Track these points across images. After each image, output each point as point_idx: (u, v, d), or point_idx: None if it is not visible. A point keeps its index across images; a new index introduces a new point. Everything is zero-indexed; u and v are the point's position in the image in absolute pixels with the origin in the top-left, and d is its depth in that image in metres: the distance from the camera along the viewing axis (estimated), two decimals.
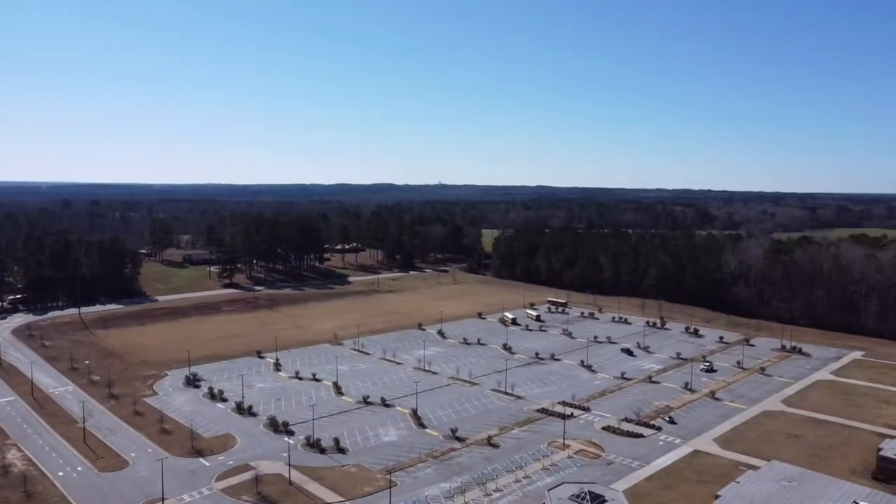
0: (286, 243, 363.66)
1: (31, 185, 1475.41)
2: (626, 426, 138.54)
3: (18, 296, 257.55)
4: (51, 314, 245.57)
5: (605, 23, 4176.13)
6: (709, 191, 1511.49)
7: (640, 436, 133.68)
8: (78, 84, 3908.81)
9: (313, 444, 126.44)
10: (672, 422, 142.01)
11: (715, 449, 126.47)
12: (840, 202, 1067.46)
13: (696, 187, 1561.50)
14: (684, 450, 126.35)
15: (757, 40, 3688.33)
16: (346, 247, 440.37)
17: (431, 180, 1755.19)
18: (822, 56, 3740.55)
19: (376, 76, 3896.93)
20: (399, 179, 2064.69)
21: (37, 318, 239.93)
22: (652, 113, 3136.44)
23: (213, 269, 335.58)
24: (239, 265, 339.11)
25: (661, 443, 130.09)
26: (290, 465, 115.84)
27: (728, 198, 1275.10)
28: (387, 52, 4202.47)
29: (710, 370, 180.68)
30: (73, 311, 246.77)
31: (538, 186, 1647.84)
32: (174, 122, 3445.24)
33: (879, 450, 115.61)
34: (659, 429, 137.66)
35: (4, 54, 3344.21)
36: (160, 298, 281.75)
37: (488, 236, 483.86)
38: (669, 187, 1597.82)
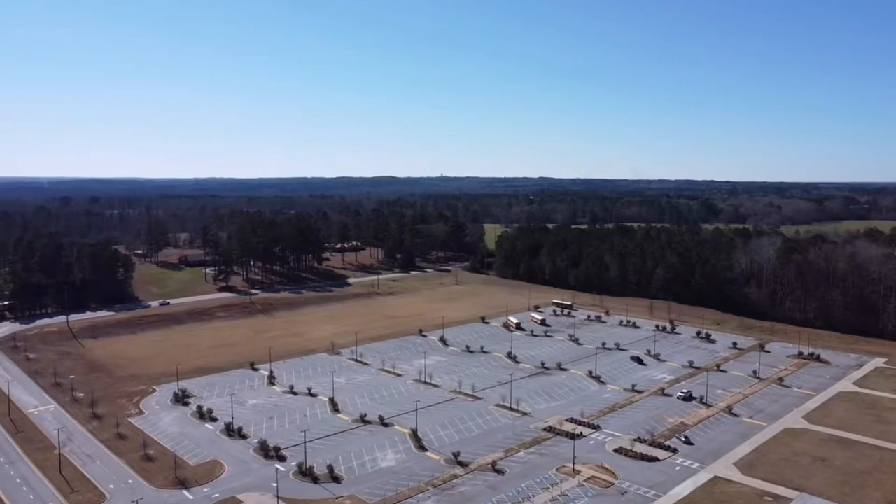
0: (284, 244, 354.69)
1: (32, 181, 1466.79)
2: (639, 448, 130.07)
3: (5, 303, 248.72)
4: (38, 322, 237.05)
5: (604, 11, 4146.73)
6: (712, 181, 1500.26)
7: (655, 459, 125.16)
8: (78, 79, 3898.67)
9: (306, 472, 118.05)
10: (688, 442, 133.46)
11: (736, 475, 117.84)
12: (846, 192, 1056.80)
13: (699, 178, 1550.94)
14: (703, 476, 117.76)
15: (758, 26, 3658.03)
16: (346, 245, 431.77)
17: (433, 172, 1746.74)
18: (824, 41, 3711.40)
19: (378, 69, 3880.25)
20: (401, 172, 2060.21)
21: (23, 327, 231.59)
22: (653, 102, 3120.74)
23: (208, 271, 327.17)
24: (235, 267, 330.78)
25: (677, 467, 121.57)
26: (278, 497, 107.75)
27: (731, 189, 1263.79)
28: (388, 44, 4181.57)
29: (689, 398, 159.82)
30: (62, 319, 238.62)
31: (540, 178, 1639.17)
32: (175, 115, 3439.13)
33: None
34: (675, 451, 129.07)
35: (8, 50, 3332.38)
36: (153, 304, 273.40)
37: (491, 232, 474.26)
38: (672, 178, 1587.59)
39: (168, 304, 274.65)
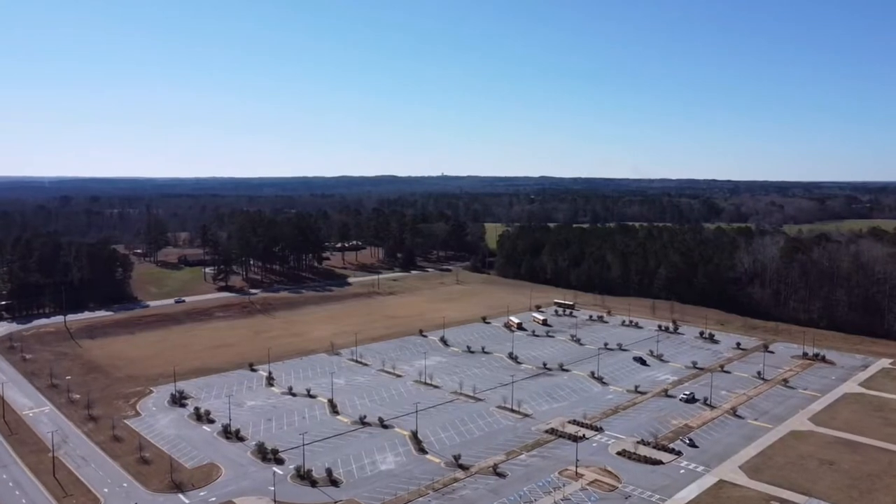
0: (284, 243, 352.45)
1: (32, 180, 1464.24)
2: (643, 450, 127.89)
3: (2, 302, 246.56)
4: (35, 322, 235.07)
5: (605, 11, 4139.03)
6: (713, 180, 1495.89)
7: (660, 462, 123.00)
8: (78, 79, 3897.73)
9: (304, 476, 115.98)
10: (693, 444, 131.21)
11: (742, 479, 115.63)
12: (847, 192, 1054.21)
13: (700, 177, 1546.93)
14: (708, 479, 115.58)
15: (759, 26, 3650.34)
16: (346, 245, 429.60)
17: (434, 172, 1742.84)
18: (824, 41, 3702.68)
19: (378, 69, 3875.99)
20: (402, 171, 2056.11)
21: (20, 327, 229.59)
22: (654, 101, 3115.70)
23: (208, 270, 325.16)
24: (235, 267, 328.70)
25: (682, 471, 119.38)
26: (276, 500, 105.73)
27: (733, 188, 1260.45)
28: (388, 44, 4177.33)
29: (691, 400, 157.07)
30: (59, 319, 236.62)
31: (541, 177, 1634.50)
32: (175, 115, 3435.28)
33: None
34: (679, 453, 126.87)
35: (8, 50, 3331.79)
36: (152, 304, 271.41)
37: (492, 231, 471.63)
38: (673, 177, 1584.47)
39: (184, 301, 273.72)
